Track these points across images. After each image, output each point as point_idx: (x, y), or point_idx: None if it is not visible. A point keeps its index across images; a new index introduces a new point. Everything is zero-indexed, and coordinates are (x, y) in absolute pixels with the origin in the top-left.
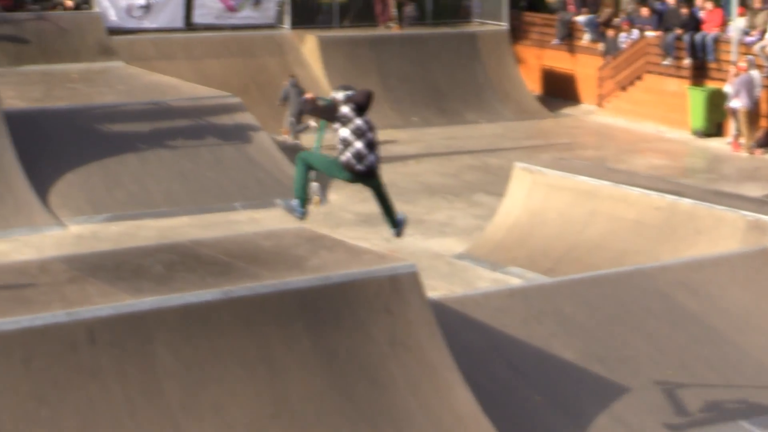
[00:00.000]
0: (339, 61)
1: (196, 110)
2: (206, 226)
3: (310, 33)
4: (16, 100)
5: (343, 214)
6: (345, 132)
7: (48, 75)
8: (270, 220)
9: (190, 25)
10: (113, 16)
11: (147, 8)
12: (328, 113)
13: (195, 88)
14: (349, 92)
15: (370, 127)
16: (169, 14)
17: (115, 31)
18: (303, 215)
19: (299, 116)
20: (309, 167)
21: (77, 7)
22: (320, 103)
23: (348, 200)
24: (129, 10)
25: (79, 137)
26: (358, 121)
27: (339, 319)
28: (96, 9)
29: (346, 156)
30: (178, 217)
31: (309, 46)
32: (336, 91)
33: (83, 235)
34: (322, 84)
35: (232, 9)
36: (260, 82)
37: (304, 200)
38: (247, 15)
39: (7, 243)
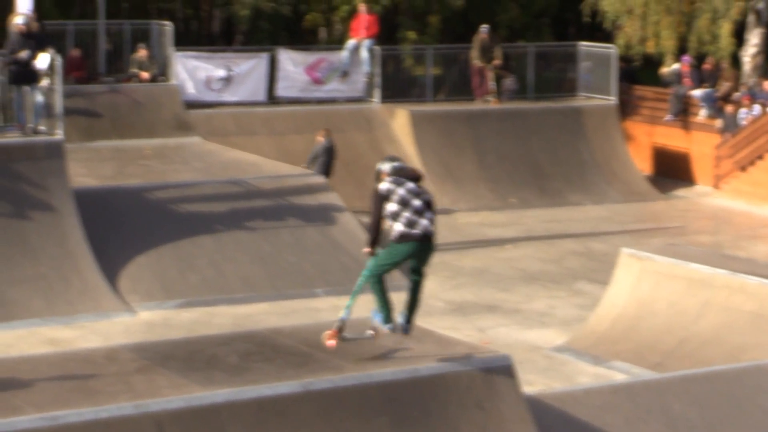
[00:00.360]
0: (432, 137)
1: (277, 189)
2: (285, 313)
3: (401, 107)
4: (86, 178)
5: (433, 302)
6: (392, 206)
7: (120, 151)
8: (354, 307)
9: (272, 99)
10: (191, 89)
11: (227, 81)
12: (376, 205)
13: (276, 165)
14: (396, 164)
15: (418, 193)
16: (251, 87)
17: (192, 104)
18: (395, 329)
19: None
20: (379, 277)
21: (153, 80)
22: (377, 252)
23: (438, 287)
24: (208, 83)
25: (151, 217)
26: (401, 191)
27: (427, 415)
28: (173, 81)
29: (397, 229)
30: (256, 303)
31: (400, 120)
32: (382, 163)
33: (154, 321)
34: (413, 161)
35: (318, 81)
36: (346, 160)
37: (389, 314)
38: (333, 88)
39: (73, 329)
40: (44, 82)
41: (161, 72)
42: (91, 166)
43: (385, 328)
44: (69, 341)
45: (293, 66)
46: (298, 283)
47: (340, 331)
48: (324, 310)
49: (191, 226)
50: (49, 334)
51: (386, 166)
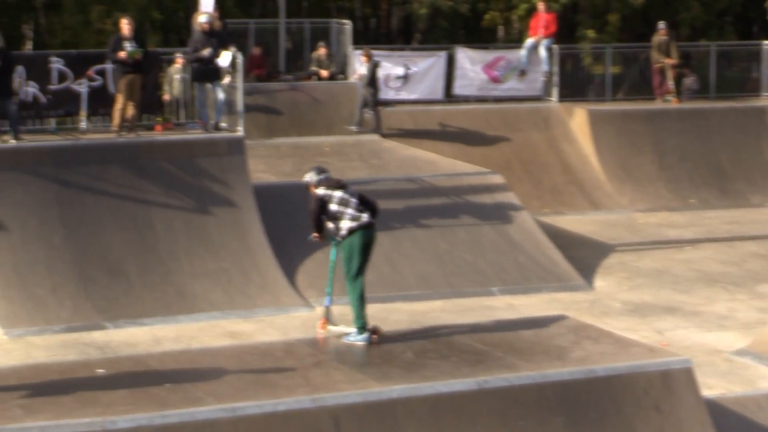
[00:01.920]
0: (610, 137)
1: (453, 188)
2: (461, 311)
3: (579, 106)
4: (266, 174)
5: (610, 302)
6: (333, 207)
7: (299, 148)
8: (530, 307)
9: (450, 97)
10: None
11: (405, 79)
12: (318, 213)
13: (453, 164)
14: (322, 175)
15: (352, 193)
16: (429, 85)
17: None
18: (370, 340)
19: None
20: (356, 280)
21: (332, 78)
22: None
23: (616, 288)
24: (386, 81)
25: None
26: (338, 193)
27: (603, 417)
28: (352, 79)
29: (345, 226)
30: (431, 300)
31: (578, 119)
32: (309, 175)
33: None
34: (591, 161)
35: (496, 80)
36: (524, 158)
37: (364, 324)
38: (511, 86)
39: (252, 323)
40: (226, 80)
41: (340, 70)
42: (270, 163)
43: (360, 341)
44: (248, 334)
45: (471, 64)
46: (473, 281)
47: (327, 320)
48: (499, 309)
49: None
50: (229, 327)
51: (314, 178)
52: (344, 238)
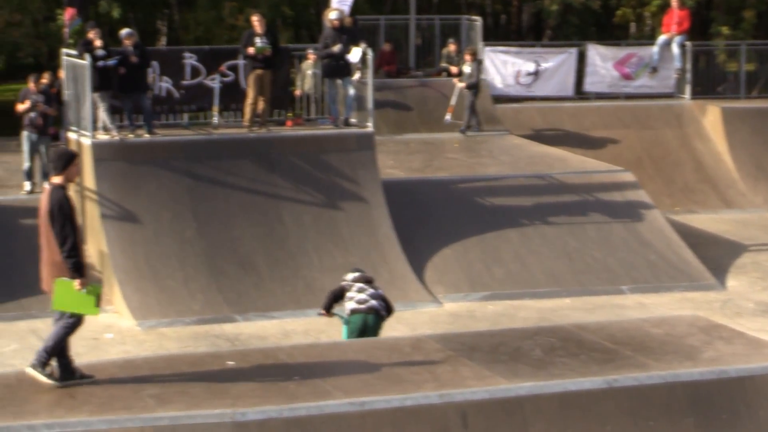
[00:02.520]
0: (744, 135)
1: (583, 185)
2: (590, 309)
3: (712, 103)
4: (395, 170)
5: (743, 302)
6: (349, 293)
7: (428, 144)
8: (660, 306)
9: (580, 94)
10: (499, 83)
11: (536, 75)
12: (332, 295)
13: (583, 161)
14: (356, 273)
15: (375, 289)
16: (559, 82)
17: (500, 98)
18: None
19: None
20: None
21: (461, 74)
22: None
23: (749, 288)
24: (517, 77)
25: (458, 210)
26: (359, 284)
27: (735, 418)
28: (482, 75)
29: (348, 307)
30: (560, 298)
31: (711, 117)
32: (346, 274)
33: (459, 313)
34: (725, 160)
35: (627, 77)
36: (655, 156)
37: None
38: (643, 84)
39: None
40: (356, 76)
41: None
42: (399, 158)
43: None
44: None
45: (602, 61)
46: (603, 280)
47: None
48: (629, 308)
49: (497, 219)
50: None
51: (348, 276)
52: (348, 316)
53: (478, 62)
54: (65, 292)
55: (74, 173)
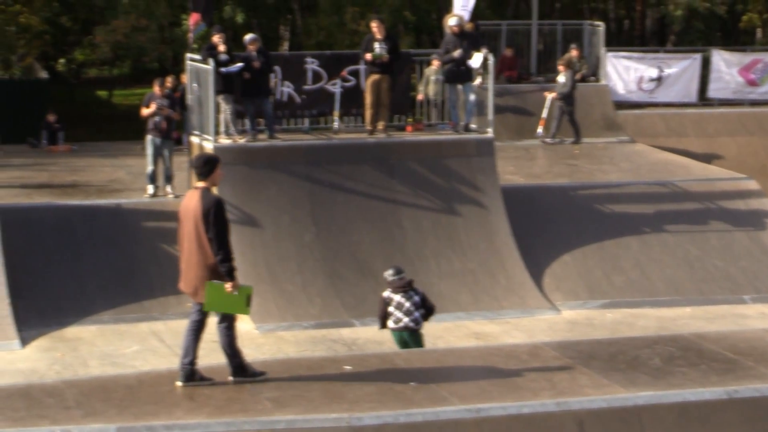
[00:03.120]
0: None
1: (705, 192)
2: (710, 318)
3: None
4: (514, 176)
5: None
6: (389, 309)
7: (549, 150)
8: None
9: (704, 100)
10: (621, 89)
11: (659, 81)
12: (380, 313)
13: (706, 168)
14: (395, 277)
15: (413, 295)
16: (682, 88)
17: (622, 104)
18: None
19: None
20: None
21: (584, 80)
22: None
23: None
24: (639, 83)
25: (577, 217)
26: (397, 297)
27: None
28: (604, 81)
29: (389, 325)
30: (680, 307)
31: None
32: (388, 272)
33: (577, 320)
34: None
35: (752, 83)
36: None
37: None
38: None
39: (497, 324)
40: (477, 81)
41: (592, 72)
42: (519, 164)
43: None
44: (493, 336)
45: (726, 67)
46: (724, 289)
47: None
48: (751, 317)
49: (617, 226)
50: (475, 328)
51: (387, 278)
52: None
53: (572, 72)
54: (217, 294)
55: (218, 177)
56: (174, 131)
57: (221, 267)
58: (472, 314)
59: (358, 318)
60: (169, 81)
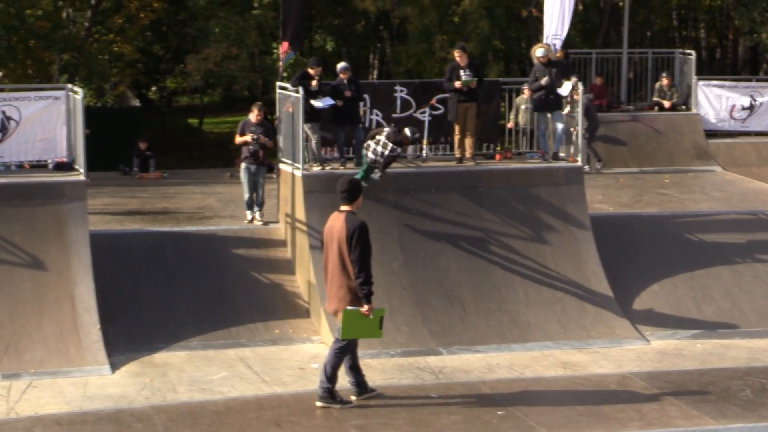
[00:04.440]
0: None
1: None
2: None
3: None
4: (604, 204)
5: None
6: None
7: (639, 179)
8: None
9: None
10: (712, 118)
11: (751, 110)
12: None
13: None
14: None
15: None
16: None
17: (713, 133)
18: None
19: None
20: None
21: (674, 108)
22: None
23: None
24: (731, 112)
25: (667, 246)
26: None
27: None
28: (695, 110)
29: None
30: None
31: None
32: None
33: (666, 351)
34: None
35: None
36: None
37: None
38: None
39: (585, 354)
40: (566, 110)
41: (683, 101)
42: (608, 193)
43: None
44: (581, 365)
45: None
46: None
47: None
48: None
49: (707, 256)
50: (562, 357)
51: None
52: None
53: (588, 97)
54: (352, 320)
55: (360, 202)
56: (267, 159)
57: (361, 289)
58: (560, 343)
59: (445, 346)
60: (260, 109)
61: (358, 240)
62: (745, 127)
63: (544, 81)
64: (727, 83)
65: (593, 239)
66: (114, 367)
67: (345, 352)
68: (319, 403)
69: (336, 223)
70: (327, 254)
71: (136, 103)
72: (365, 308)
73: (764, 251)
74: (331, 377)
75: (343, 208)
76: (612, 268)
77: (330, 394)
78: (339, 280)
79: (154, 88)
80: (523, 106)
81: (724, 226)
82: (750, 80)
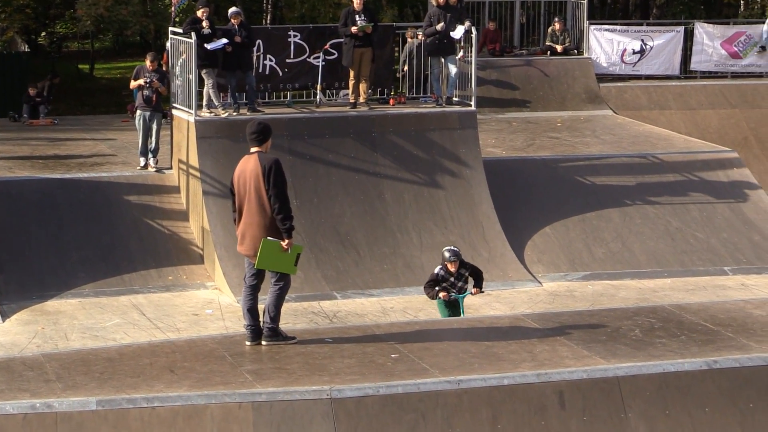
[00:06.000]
0: None
1: (687, 164)
2: (691, 289)
3: None
4: (496, 149)
5: None
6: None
7: (531, 123)
8: (764, 288)
9: (686, 73)
10: (603, 62)
11: (642, 54)
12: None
13: (687, 141)
14: (452, 258)
15: (462, 273)
16: (665, 61)
17: (604, 77)
18: None
19: None
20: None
21: (566, 53)
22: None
23: None
24: (622, 56)
25: (559, 189)
26: (451, 279)
27: None
28: (587, 54)
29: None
30: (661, 278)
31: None
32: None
33: (558, 292)
34: None
35: (735, 56)
36: (762, 136)
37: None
38: (751, 62)
39: (478, 296)
40: (459, 54)
41: (575, 45)
42: (501, 137)
43: None
44: (474, 307)
45: (709, 40)
46: (705, 260)
47: None
48: (731, 289)
49: (598, 199)
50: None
51: (444, 256)
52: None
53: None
54: (270, 251)
55: (270, 144)
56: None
57: (282, 224)
58: None
59: (340, 290)
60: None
61: (276, 175)
62: (635, 71)
63: (440, 26)
64: (618, 27)
65: (486, 183)
66: (4, 315)
67: (284, 290)
68: (264, 342)
69: (248, 165)
70: (241, 197)
71: (26, 48)
72: (286, 243)
73: (654, 193)
74: (274, 317)
75: (254, 149)
76: (505, 212)
77: (275, 332)
78: (258, 220)
79: (43, 34)
80: (414, 51)
81: (614, 169)
82: (641, 24)
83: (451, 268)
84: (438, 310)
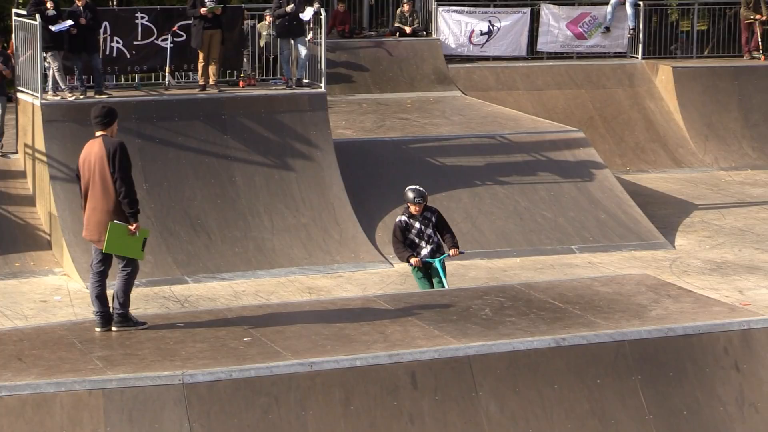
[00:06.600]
0: (695, 94)
1: (535, 144)
2: (539, 268)
3: (664, 63)
4: (347, 130)
5: (691, 260)
6: (410, 236)
7: (381, 104)
8: (609, 265)
9: (533, 54)
10: (452, 43)
11: (489, 35)
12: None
13: (535, 121)
14: (417, 200)
15: (428, 222)
16: (512, 42)
17: (453, 58)
18: None
19: None
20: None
21: (415, 34)
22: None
23: (697, 246)
24: (470, 37)
25: (409, 170)
26: (416, 225)
27: (681, 375)
28: (435, 36)
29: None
30: (510, 258)
31: (662, 76)
32: (410, 189)
33: (409, 273)
34: (675, 118)
35: (580, 37)
36: (607, 116)
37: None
38: (596, 43)
39: (330, 278)
40: (309, 36)
41: (424, 26)
42: (351, 119)
43: None
44: (326, 290)
45: (555, 21)
46: (553, 239)
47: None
48: (579, 266)
49: (448, 179)
50: (308, 282)
51: (408, 197)
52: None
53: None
54: (118, 235)
55: (116, 128)
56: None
57: (129, 208)
58: (305, 269)
59: (191, 275)
60: None
61: (121, 158)
62: (483, 52)
63: (289, 8)
64: (466, 9)
65: (337, 165)
66: None
67: (132, 275)
68: (114, 328)
69: (93, 149)
70: (86, 182)
71: None
72: (132, 227)
73: (503, 173)
74: (124, 303)
75: (99, 133)
76: (356, 194)
77: (125, 318)
78: (103, 206)
79: None
80: (265, 32)
81: (464, 149)
82: (488, 6)
83: (415, 210)
84: (418, 285)
